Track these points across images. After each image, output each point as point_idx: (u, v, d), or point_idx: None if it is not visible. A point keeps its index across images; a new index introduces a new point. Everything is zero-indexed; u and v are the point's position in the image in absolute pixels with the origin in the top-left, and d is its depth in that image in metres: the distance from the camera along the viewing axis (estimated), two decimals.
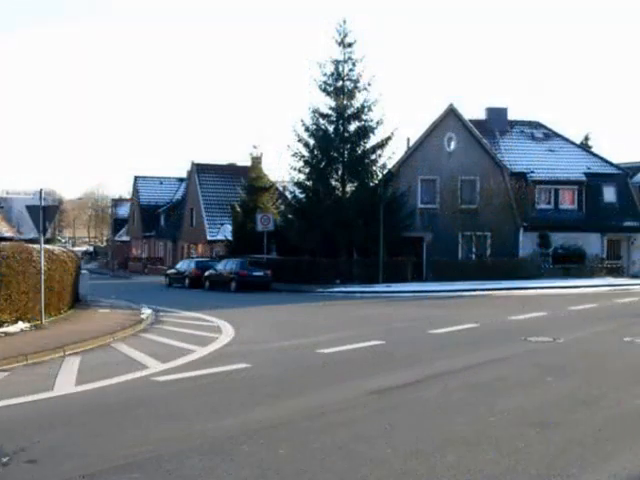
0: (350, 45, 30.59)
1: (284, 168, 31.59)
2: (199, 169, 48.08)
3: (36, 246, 13.71)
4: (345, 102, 30.39)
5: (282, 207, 34.78)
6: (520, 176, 33.57)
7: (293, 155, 30.57)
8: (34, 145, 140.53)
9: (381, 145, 30.58)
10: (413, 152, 33.18)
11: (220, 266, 29.55)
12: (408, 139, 35.40)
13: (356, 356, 10.24)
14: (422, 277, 31.15)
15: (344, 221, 28.47)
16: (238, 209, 35.66)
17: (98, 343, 11.51)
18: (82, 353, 10.55)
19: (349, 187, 31.23)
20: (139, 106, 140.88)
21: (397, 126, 35.42)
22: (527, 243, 32.78)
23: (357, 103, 30.67)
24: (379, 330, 13.46)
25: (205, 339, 12.11)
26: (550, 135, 38.00)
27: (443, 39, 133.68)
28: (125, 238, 64.65)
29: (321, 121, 30.75)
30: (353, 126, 30.69)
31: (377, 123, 30.60)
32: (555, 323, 14.84)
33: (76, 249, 62.48)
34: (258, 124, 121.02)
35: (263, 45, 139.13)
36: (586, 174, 35.07)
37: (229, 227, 38.53)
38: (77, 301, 18.17)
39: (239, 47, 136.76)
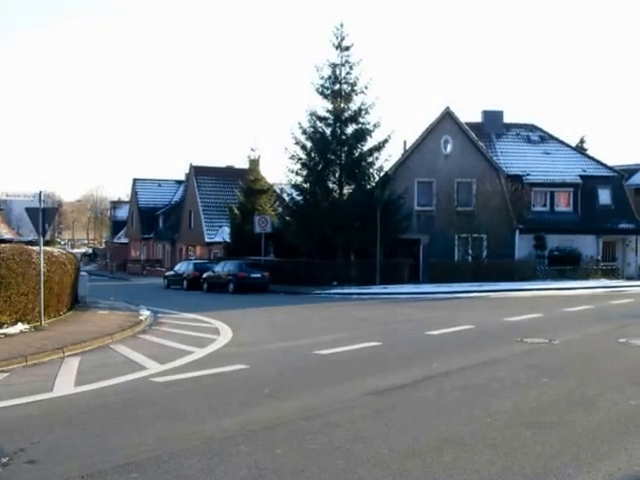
0: (347, 48, 30.71)
1: (282, 170, 31.74)
2: (197, 172, 48.13)
3: (35, 248, 13.73)
4: (342, 105, 30.50)
5: (280, 209, 34.87)
6: (516, 178, 33.73)
7: (290, 158, 30.71)
8: (34, 148, 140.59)
9: (378, 148, 30.69)
10: (410, 155, 33.32)
11: (218, 268, 29.59)
12: (405, 142, 35.59)
13: (354, 357, 10.30)
14: (418, 279, 31.25)
15: (341, 223, 28.55)
16: (236, 211, 35.71)
17: (97, 344, 11.54)
18: (81, 354, 10.59)
19: (346, 189, 31.33)
20: (138, 109, 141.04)
21: (394, 129, 35.72)
22: (523, 245, 32.90)
23: (354, 106, 30.81)
24: (376, 331, 13.53)
25: (203, 340, 12.15)
26: (546, 138, 38.18)
27: (440, 42, 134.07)
28: (124, 240, 64.68)
29: (318, 124, 30.85)
30: (350, 129, 30.81)
31: (374, 126, 30.74)
32: (551, 324, 14.91)
33: (75, 251, 62.45)
34: (256, 127, 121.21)
35: (261, 48, 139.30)
36: (581, 176, 35.27)
37: (227, 229, 38.58)
38: (76, 302, 18.19)
39: (238, 50, 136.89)
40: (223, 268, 29.04)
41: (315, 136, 30.65)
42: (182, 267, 34.11)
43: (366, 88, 30.69)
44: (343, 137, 30.62)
